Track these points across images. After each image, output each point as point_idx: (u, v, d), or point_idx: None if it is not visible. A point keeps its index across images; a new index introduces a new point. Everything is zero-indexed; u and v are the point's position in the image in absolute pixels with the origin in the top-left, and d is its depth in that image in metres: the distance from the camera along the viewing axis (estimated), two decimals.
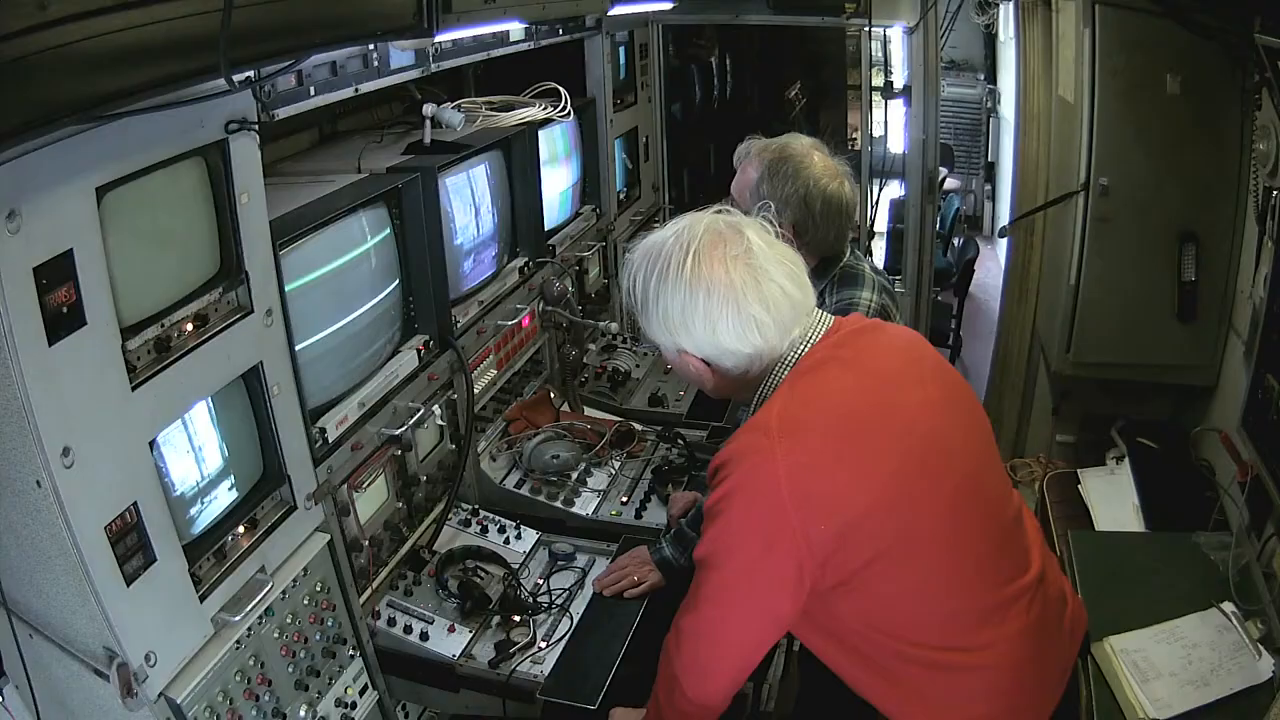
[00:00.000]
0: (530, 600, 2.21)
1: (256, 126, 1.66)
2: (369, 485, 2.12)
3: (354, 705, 1.96)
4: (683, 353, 1.57)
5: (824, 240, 2.21)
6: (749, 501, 1.43)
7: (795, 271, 1.56)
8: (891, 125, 4.46)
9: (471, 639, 2.11)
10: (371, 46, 2.12)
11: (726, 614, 1.50)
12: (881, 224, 5.57)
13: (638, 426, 2.89)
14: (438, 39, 2.20)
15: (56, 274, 1.30)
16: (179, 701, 1.56)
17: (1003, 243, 5.05)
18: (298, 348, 1.86)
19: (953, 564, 1.51)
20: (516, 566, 2.33)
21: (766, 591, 1.48)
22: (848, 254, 2.28)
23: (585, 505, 2.59)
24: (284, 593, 1.82)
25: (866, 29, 3.73)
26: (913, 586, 1.49)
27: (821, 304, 2.20)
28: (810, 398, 1.49)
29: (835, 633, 1.57)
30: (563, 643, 2.10)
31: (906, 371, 1.58)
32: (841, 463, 1.44)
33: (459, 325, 2.51)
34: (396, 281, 2.28)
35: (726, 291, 1.49)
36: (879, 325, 1.67)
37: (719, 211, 1.59)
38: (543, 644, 2.10)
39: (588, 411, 3.06)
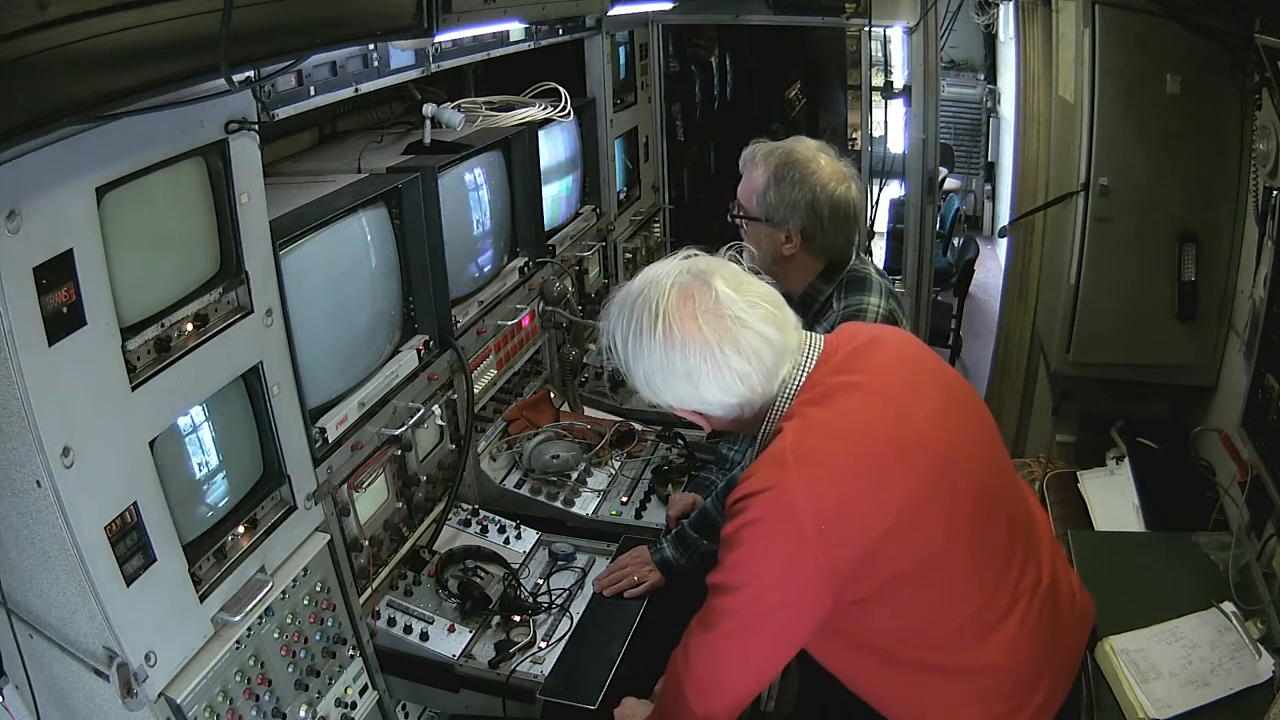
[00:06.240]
0: (530, 600, 2.21)
1: (256, 126, 1.66)
2: (369, 485, 2.12)
3: (354, 705, 1.96)
4: (672, 407, 1.60)
5: (832, 245, 2.19)
6: (769, 531, 1.43)
7: (773, 312, 1.53)
8: (891, 125, 4.45)
9: (471, 639, 2.11)
10: (371, 46, 2.12)
11: (742, 638, 1.50)
12: (882, 224, 5.55)
13: (638, 426, 2.89)
14: (438, 39, 2.20)
15: (56, 274, 1.30)
16: (179, 701, 1.56)
17: (1003, 243, 5.05)
18: (297, 348, 1.85)
19: (974, 571, 1.51)
20: (516, 566, 2.32)
21: (784, 617, 1.48)
22: (854, 258, 2.27)
23: (585, 505, 2.59)
24: (284, 593, 1.82)
25: (866, 29, 3.74)
26: (934, 596, 1.49)
27: (829, 309, 2.20)
28: (823, 426, 1.48)
29: (849, 640, 1.57)
30: (563, 643, 2.10)
31: (910, 384, 1.58)
32: (860, 488, 1.44)
33: (459, 325, 2.51)
34: (396, 281, 2.28)
35: (702, 349, 1.48)
36: (875, 338, 1.65)
37: (686, 258, 1.57)
38: (543, 644, 2.10)
39: (588, 411, 3.07)
